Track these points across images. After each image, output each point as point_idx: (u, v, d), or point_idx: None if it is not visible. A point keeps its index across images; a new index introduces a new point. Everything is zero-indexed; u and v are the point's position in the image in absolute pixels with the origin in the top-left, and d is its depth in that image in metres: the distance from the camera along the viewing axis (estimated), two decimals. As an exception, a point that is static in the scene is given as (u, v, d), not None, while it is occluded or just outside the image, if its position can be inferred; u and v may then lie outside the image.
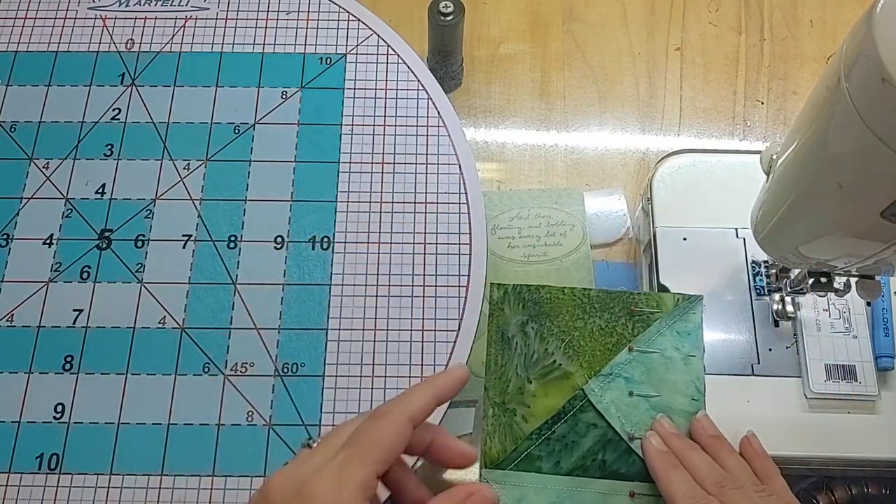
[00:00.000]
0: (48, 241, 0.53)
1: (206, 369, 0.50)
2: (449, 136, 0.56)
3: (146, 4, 0.61)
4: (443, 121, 0.57)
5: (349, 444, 0.37)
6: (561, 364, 0.48)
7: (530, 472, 0.46)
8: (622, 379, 0.47)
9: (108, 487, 0.47)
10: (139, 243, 0.53)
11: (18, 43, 0.60)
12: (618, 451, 0.46)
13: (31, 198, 0.55)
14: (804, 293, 0.51)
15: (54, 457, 0.48)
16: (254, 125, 0.57)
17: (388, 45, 0.60)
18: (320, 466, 0.37)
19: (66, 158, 0.56)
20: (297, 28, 0.60)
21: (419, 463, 0.46)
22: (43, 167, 0.56)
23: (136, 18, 0.61)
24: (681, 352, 0.48)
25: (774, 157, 0.43)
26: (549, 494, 0.45)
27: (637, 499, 0.45)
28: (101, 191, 0.55)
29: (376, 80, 0.58)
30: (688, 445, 0.45)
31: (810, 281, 0.48)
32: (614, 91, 0.66)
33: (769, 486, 0.43)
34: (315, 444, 0.39)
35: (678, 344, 0.48)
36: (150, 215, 0.54)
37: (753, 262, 0.54)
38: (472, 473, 0.45)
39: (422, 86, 0.58)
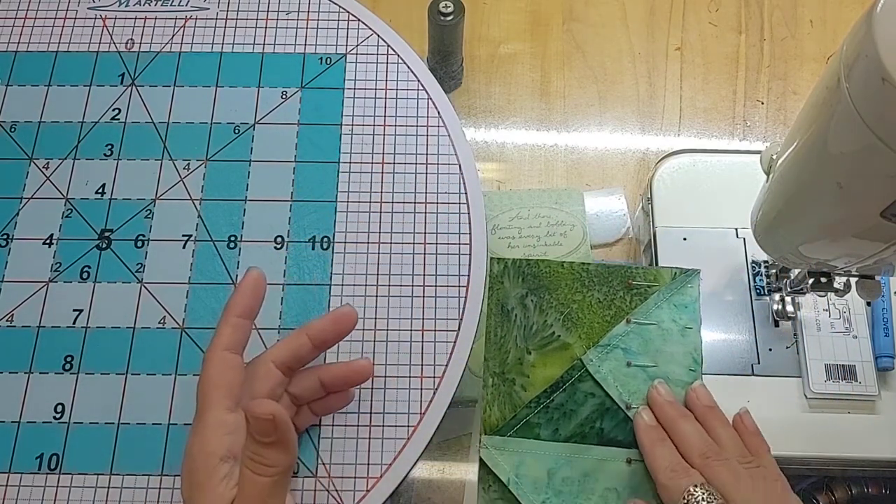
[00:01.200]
0: (48, 241, 0.53)
1: (206, 369, 0.50)
2: (449, 136, 0.56)
3: (146, 4, 0.61)
4: (443, 121, 0.57)
5: (197, 400, 0.42)
6: (560, 335, 0.49)
7: (529, 439, 0.47)
8: (620, 350, 0.48)
9: (108, 487, 0.47)
10: (139, 243, 0.53)
11: (18, 43, 0.60)
12: (615, 420, 0.47)
13: (31, 198, 0.55)
14: (804, 293, 0.51)
15: (54, 457, 0.48)
16: (254, 125, 0.57)
17: (388, 45, 0.60)
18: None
19: (66, 158, 0.56)
20: (297, 28, 0.60)
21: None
22: (43, 167, 0.56)
23: (136, 18, 0.61)
24: (678, 324, 0.49)
25: (774, 157, 0.43)
26: (547, 460, 0.46)
27: (634, 465, 0.46)
28: (101, 191, 0.55)
29: (376, 80, 0.58)
30: (679, 413, 0.45)
31: (810, 281, 0.48)
32: (614, 91, 0.66)
33: (756, 460, 0.43)
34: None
35: (675, 316, 0.49)
36: (150, 215, 0.54)
37: (753, 262, 0.54)
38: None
39: (422, 86, 0.58)
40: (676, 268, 0.50)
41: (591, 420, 0.47)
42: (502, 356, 0.48)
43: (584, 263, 0.50)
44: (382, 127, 0.57)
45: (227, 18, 0.60)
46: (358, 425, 0.49)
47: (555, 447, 0.47)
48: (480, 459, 0.47)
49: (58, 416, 0.49)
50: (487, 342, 0.49)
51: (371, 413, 0.49)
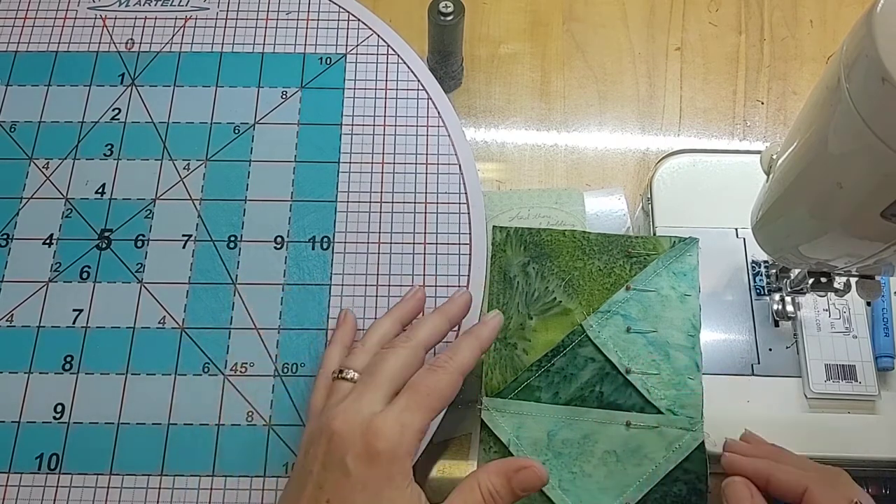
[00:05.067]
0: (48, 241, 0.53)
1: (206, 369, 0.50)
2: (449, 136, 0.56)
3: (146, 4, 0.61)
4: (443, 121, 0.57)
5: (409, 392, 0.41)
6: (561, 301, 0.50)
7: (529, 402, 0.48)
8: (620, 316, 0.49)
9: (108, 487, 0.47)
10: (139, 243, 0.53)
11: (18, 43, 0.60)
12: (615, 384, 0.48)
13: (31, 198, 0.55)
14: (804, 293, 0.51)
15: (54, 457, 0.48)
16: (254, 125, 0.57)
17: (388, 45, 0.60)
18: (378, 407, 0.40)
19: (66, 158, 0.56)
20: (297, 28, 0.60)
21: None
22: (43, 167, 0.56)
23: (136, 18, 0.61)
24: (677, 291, 0.50)
25: (774, 157, 0.43)
26: (548, 422, 0.47)
27: (633, 428, 0.47)
28: (101, 191, 0.55)
29: (376, 80, 0.58)
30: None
31: (810, 281, 0.48)
32: (614, 91, 0.66)
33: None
34: (354, 379, 0.43)
35: (674, 283, 0.50)
36: (150, 215, 0.54)
37: (753, 262, 0.54)
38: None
39: (422, 86, 0.58)
40: (675, 236, 0.51)
41: (591, 384, 0.48)
42: (504, 322, 0.49)
43: (584, 232, 0.52)
44: (382, 127, 0.57)
45: (227, 18, 0.60)
46: (358, 425, 0.49)
47: (555, 410, 0.47)
48: (481, 420, 0.48)
49: (58, 416, 0.49)
50: (490, 309, 0.50)
51: (371, 413, 0.49)
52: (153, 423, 0.49)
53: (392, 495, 0.38)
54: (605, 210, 0.61)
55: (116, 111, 0.57)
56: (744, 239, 0.54)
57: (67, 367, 0.50)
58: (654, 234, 0.54)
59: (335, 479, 0.38)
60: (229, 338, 0.51)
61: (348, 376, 0.43)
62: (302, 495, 0.39)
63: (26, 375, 0.50)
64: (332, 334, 0.49)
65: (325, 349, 0.48)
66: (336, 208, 0.54)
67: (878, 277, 0.44)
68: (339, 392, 0.43)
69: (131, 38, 0.60)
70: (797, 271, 0.50)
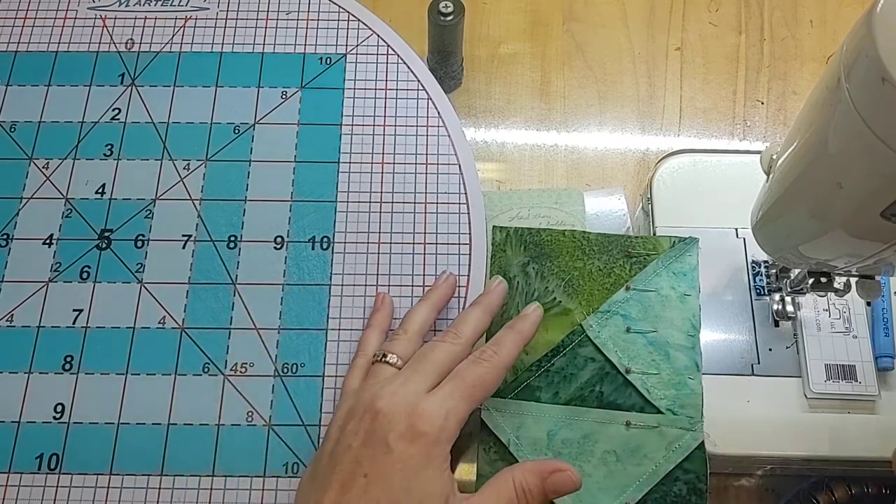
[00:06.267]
0: (48, 241, 0.53)
1: (206, 369, 0.50)
2: (449, 136, 0.56)
3: (146, 4, 0.61)
4: (443, 121, 0.57)
5: (455, 380, 0.42)
6: (560, 301, 0.50)
7: (529, 402, 0.48)
8: (620, 316, 0.49)
9: (108, 487, 0.47)
10: (139, 243, 0.53)
11: (18, 43, 0.60)
12: (615, 384, 0.48)
13: (31, 198, 0.55)
14: (804, 293, 0.51)
15: (54, 457, 0.48)
16: (254, 125, 0.57)
17: (388, 45, 0.60)
18: (422, 391, 0.42)
19: (66, 158, 0.56)
20: (297, 28, 0.60)
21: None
22: (43, 167, 0.56)
23: (136, 18, 0.61)
24: (677, 291, 0.49)
25: (774, 157, 0.43)
26: (548, 422, 0.47)
27: (633, 427, 0.47)
28: (101, 191, 0.55)
29: (376, 80, 0.58)
30: None
31: (810, 281, 0.48)
32: (614, 91, 0.66)
33: None
34: (396, 364, 0.44)
35: (674, 283, 0.50)
36: (150, 215, 0.54)
37: (753, 262, 0.54)
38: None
39: (422, 86, 0.58)
40: (675, 236, 0.51)
41: (590, 384, 0.48)
42: (504, 321, 0.49)
43: (584, 232, 0.52)
44: (382, 127, 0.57)
45: (227, 18, 0.60)
46: (358, 425, 0.49)
47: (555, 409, 0.47)
48: (481, 420, 0.48)
49: (58, 416, 0.49)
50: None
51: (371, 413, 0.49)
52: (153, 423, 0.49)
53: (429, 476, 0.39)
54: (605, 210, 0.61)
55: (116, 111, 0.57)
56: (744, 239, 0.54)
57: (67, 367, 0.50)
58: (654, 234, 0.54)
59: (375, 455, 0.39)
60: (229, 338, 0.51)
61: (391, 361, 0.44)
62: (337, 468, 0.40)
63: (26, 375, 0.50)
64: (370, 318, 0.50)
65: (362, 333, 0.49)
66: (336, 208, 0.54)
67: (878, 277, 0.44)
68: (380, 374, 0.44)
69: (131, 38, 0.60)
70: (797, 271, 0.50)
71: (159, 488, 0.47)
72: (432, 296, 0.49)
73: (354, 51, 0.59)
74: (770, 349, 0.52)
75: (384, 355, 0.45)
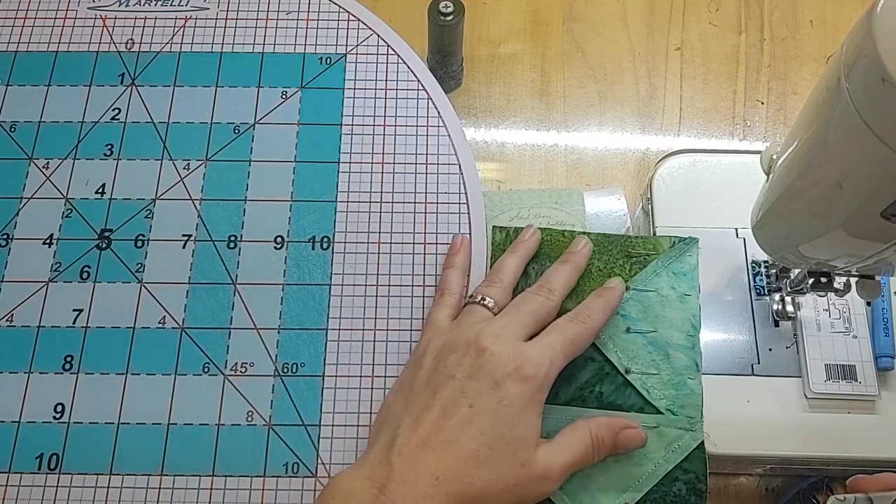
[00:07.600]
0: (48, 241, 0.53)
1: (206, 369, 0.50)
2: (449, 136, 0.56)
3: (146, 4, 0.61)
4: (443, 121, 0.57)
5: (555, 333, 0.45)
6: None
7: None
8: (619, 316, 0.49)
9: (108, 487, 0.47)
10: (139, 243, 0.53)
11: (18, 43, 0.60)
12: (614, 384, 0.48)
13: (31, 198, 0.55)
14: (804, 293, 0.51)
15: (54, 457, 0.48)
16: (254, 125, 0.57)
17: (388, 45, 0.60)
18: (520, 338, 0.44)
19: (66, 158, 0.56)
20: (297, 28, 0.60)
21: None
22: (43, 167, 0.56)
23: (136, 18, 0.61)
24: (677, 291, 0.50)
25: (774, 157, 0.43)
26: (547, 423, 0.47)
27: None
28: (101, 191, 0.55)
29: (376, 80, 0.58)
30: None
31: (810, 281, 0.48)
32: (614, 91, 0.66)
33: None
34: (492, 307, 0.46)
35: (674, 283, 0.50)
36: (150, 215, 0.54)
37: (753, 262, 0.54)
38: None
39: (422, 86, 0.58)
40: (675, 236, 0.51)
41: (590, 384, 0.48)
42: None
43: (584, 233, 0.52)
44: (382, 127, 0.57)
45: (227, 18, 0.60)
46: (358, 425, 0.49)
47: (555, 410, 0.47)
48: None
49: (58, 415, 0.49)
50: None
51: (371, 413, 0.49)
52: (153, 423, 0.49)
53: (530, 418, 0.42)
54: (605, 210, 0.61)
55: (116, 111, 0.57)
56: (744, 239, 0.54)
57: (67, 367, 0.50)
58: (654, 234, 0.54)
59: (482, 388, 0.42)
60: (229, 338, 0.51)
61: (488, 304, 0.46)
62: (440, 394, 0.42)
63: (26, 375, 0.50)
64: (448, 258, 0.51)
65: (443, 271, 0.51)
66: (336, 208, 0.54)
67: (878, 277, 0.44)
68: (475, 315, 0.46)
69: (131, 38, 0.60)
70: (797, 271, 0.50)
71: (159, 488, 0.47)
72: (521, 248, 0.50)
73: (354, 51, 0.59)
74: (770, 349, 0.52)
75: (482, 298, 0.47)
